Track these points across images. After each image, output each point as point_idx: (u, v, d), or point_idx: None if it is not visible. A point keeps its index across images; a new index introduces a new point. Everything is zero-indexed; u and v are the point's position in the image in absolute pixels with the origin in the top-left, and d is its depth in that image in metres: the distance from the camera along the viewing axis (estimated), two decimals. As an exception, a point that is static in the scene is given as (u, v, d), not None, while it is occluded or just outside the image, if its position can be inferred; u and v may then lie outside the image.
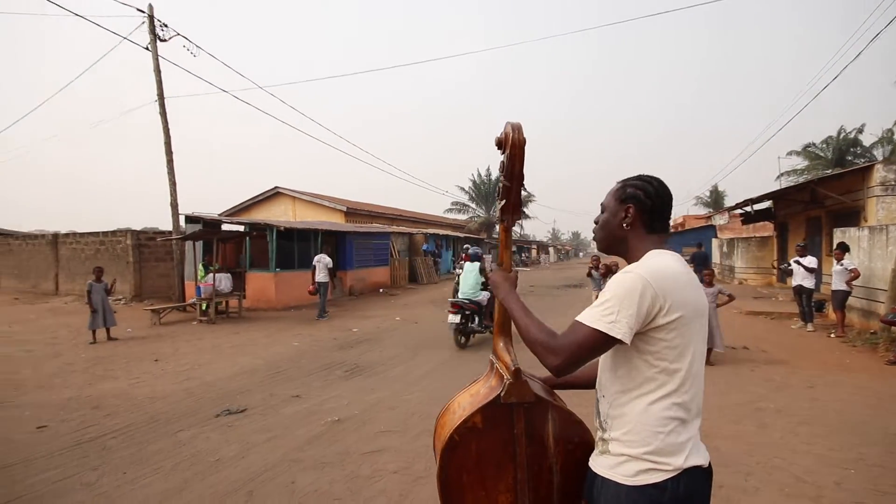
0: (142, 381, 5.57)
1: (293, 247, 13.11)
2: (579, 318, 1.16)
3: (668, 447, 1.13)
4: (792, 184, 17.93)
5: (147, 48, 11.61)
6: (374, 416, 4.30)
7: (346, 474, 3.17)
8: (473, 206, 37.98)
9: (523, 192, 1.50)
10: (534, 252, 51.33)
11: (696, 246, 15.41)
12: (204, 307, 9.89)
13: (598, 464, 1.23)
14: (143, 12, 11.43)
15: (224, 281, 10.02)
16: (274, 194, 24.16)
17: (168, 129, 11.77)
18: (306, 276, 12.21)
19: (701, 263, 13.66)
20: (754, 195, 13.99)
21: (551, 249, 62.36)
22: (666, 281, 1.14)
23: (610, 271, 8.25)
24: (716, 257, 21.76)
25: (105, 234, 13.42)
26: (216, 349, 7.36)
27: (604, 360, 1.30)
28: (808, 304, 8.27)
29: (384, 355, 6.86)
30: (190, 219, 12.43)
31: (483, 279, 7.61)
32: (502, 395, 1.42)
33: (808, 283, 8.10)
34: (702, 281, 6.44)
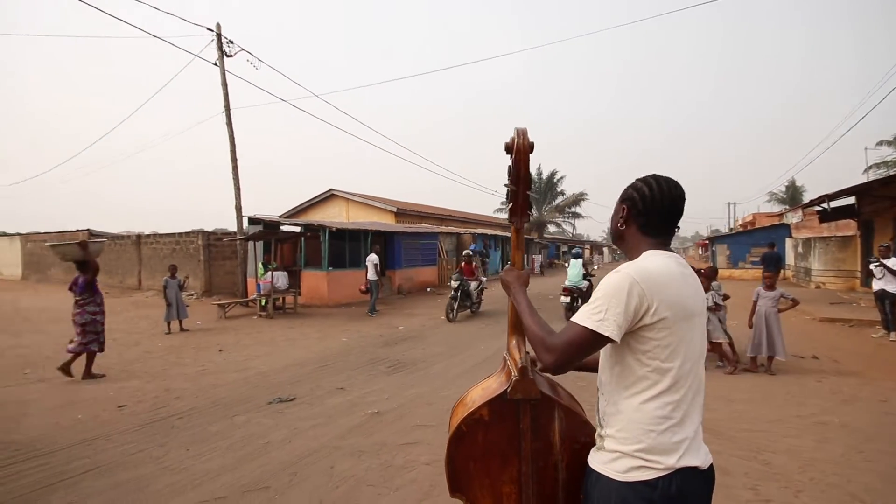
0: (207, 369, 6.10)
1: (345, 246, 13.71)
2: (573, 317, 1.21)
3: (661, 446, 1.15)
4: (882, 176, 16.12)
5: (215, 64, 12.60)
6: (411, 410, 4.46)
7: (381, 463, 3.33)
8: (524, 205, 37.58)
9: (532, 195, 1.55)
10: (587, 252, 49.81)
11: (767, 246, 14.35)
12: (263, 303, 10.59)
13: (595, 459, 1.26)
14: (212, 31, 12.41)
15: (281, 279, 10.68)
16: (329, 196, 25.26)
17: (233, 138, 12.71)
18: (356, 275, 12.79)
19: (772, 265, 12.67)
20: (834, 190, 12.72)
21: (606, 249, 60.18)
22: (654, 281, 1.15)
23: None
24: (790, 258, 20.03)
25: (180, 234, 14.76)
26: (272, 342, 7.88)
27: (603, 359, 1.33)
28: (892, 310, 7.45)
29: (426, 353, 7.02)
30: (252, 220, 13.36)
31: (584, 271, 10.04)
32: (509, 390, 1.48)
33: (892, 287, 7.31)
34: (763, 283, 6.02)
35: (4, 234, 23.77)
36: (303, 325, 9.64)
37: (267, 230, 12.45)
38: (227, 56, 12.69)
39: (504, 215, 36.86)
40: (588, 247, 52.50)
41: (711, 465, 1.25)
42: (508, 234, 28.28)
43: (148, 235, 16.04)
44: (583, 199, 38.76)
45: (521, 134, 1.41)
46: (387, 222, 22.34)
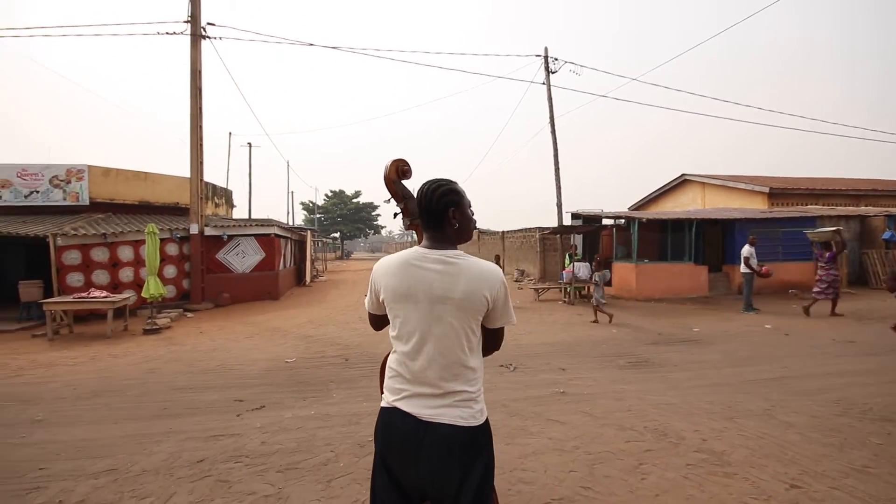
0: (490, 335, 7.95)
1: (666, 238, 12.90)
2: None
3: (388, 388, 1.61)
4: None
5: (543, 83, 14.73)
6: (596, 399, 4.55)
7: (518, 426, 3.91)
8: None
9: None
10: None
11: None
12: (568, 289, 11.79)
13: None
14: (540, 56, 14.57)
15: (582, 269, 11.52)
16: (681, 182, 23.40)
17: (556, 145, 14.50)
18: (675, 269, 12.09)
19: None
20: None
21: None
22: (381, 271, 1.61)
23: None
24: None
25: (524, 230, 18.13)
26: (552, 324, 9.00)
27: None
28: None
29: (693, 357, 6.25)
30: (574, 215, 14.75)
31: None
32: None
33: None
34: None
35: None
36: (591, 313, 10.16)
37: (565, 225, 13.56)
38: (552, 73, 14.54)
39: None
40: None
41: (451, 426, 1.47)
42: None
43: (506, 231, 20.54)
44: None
45: (385, 167, 2.03)
46: (755, 207, 18.58)
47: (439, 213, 1.59)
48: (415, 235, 1.94)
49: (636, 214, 13.01)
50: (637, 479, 2.97)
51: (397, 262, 1.59)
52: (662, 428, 3.77)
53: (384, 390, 1.62)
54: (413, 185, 1.98)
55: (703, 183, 22.36)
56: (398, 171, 2.04)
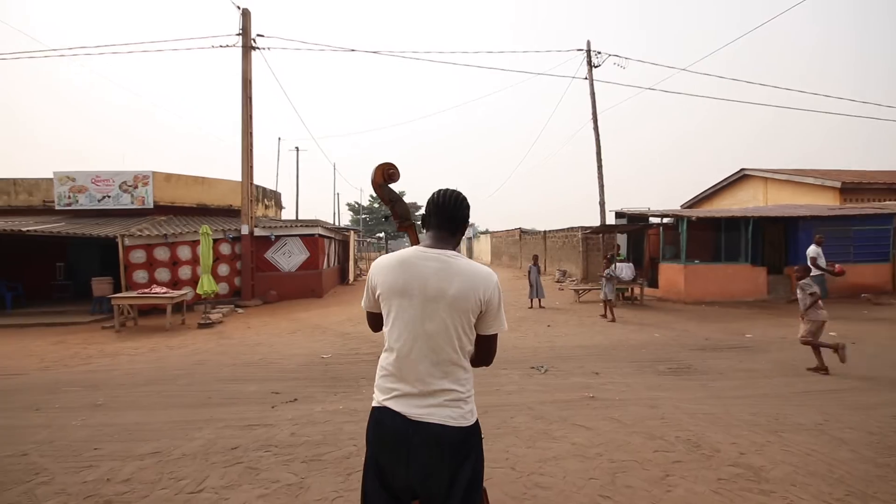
0: (524, 337, 7.84)
1: (720, 237, 12.18)
2: None
3: (379, 386, 1.63)
4: None
5: (585, 78, 14.30)
6: (628, 406, 4.37)
7: (542, 430, 3.83)
8: None
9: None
10: None
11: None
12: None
13: None
14: (582, 50, 14.17)
15: (625, 270, 11.07)
16: (740, 178, 21.98)
17: (599, 141, 14.03)
18: (727, 270, 11.42)
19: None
20: None
21: None
22: (379, 267, 1.64)
23: None
24: None
25: (567, 230, 17.67)
26: (591, 326, 8.72)
27: None
28: None
29: (739, 366, 5.85)
30: (619, 214, 14.21)
31: None
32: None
33: None
34: None
35: (484, 232, 35.82)
36: (637, 317, 9.76)
37: (606, 224, 13.07)
38: (595, 67, 14.09)
39: None
40: None
41: (441, 426, 1.48)
42: None
43: (548, 231, 20.11)
44: None
45: (373, 171, 2.02)
46: (824, 204, 17.19)
47: (458, 220, 1.66)
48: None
49: (685, 212, 12.34)
50: (661, 491, 2.83)
51: (395, 259, 1.61)
52: (696, 439, 3.57)
53: (375, 389, 1.64)
54: (411, 187, 1.99)
55: (766, 178, 20.88)
56: (384, 175, 2.01)
